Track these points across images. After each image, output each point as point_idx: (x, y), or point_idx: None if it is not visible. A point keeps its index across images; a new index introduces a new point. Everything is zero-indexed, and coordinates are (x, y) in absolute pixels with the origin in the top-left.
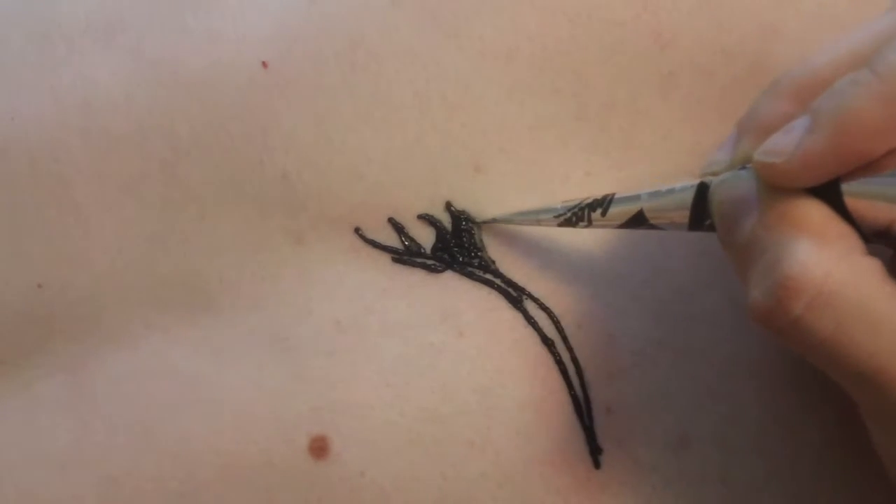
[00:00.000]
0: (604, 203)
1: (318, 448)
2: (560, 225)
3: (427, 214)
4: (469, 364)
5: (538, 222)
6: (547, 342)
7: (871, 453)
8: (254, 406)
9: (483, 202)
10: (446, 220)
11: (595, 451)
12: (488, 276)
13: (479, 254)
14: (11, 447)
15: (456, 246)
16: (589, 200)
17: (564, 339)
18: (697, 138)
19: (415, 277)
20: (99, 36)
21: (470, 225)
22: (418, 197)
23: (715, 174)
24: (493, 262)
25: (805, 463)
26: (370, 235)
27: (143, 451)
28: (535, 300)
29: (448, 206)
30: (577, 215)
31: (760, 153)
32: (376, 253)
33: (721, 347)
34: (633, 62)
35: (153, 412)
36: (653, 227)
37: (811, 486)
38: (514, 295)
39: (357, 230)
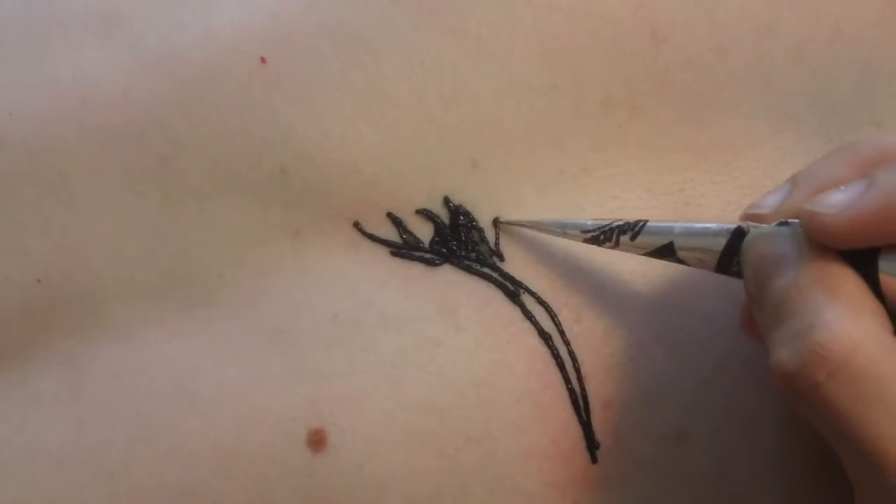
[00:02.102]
0: (635, 228)
1: (316, 441)
2: (585, 241)
3: (425, 209)
4: (467, 357)
5: (564, 234)
6: (544, 336)
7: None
8: (252, 399)
9: (480, 197)
10: (444, 216)
11: (592, 446)
12: (486, 270)
13: (477, 247)
14: (9, 442)
15: (454, 240)
16: (620, 223)
17: (562, 332)
18: (693, 135)
19: (413, 271)
20: (97, 31)
21: (469, 220)
22: (416, 192)
23: (757, 217)
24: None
25: (802, 458)
26: (368, 230)
27: (142, 445)
28: (533, 294)
29: (446, 200)
30: (606, 235)
31: (811, 203)
32: (375, 247)
33: (719, 342)
34: (630, 59)
35: (151, 406)
36: (679, 261)
37: (808, 481)
38: (512, 289)
39: (356, 224)
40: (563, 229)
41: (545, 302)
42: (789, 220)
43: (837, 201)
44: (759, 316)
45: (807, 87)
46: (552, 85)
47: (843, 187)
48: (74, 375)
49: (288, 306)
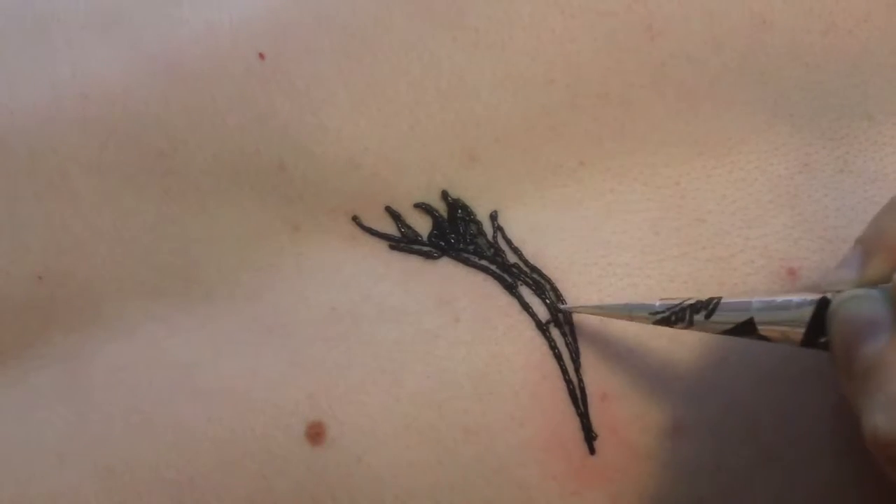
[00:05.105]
0: (708, 306)
1: (315, 434)
2: (656, 323)
3: (423, 203)
4: (464, 349)
5: (630, 318)
6: (542, 328)
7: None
8: (251, 393)
9: (478, 191)
10: (443, 209)
11: (590, 437)
12: (484, 263)
13: (475, 240)
14: (9, 438)
15: (452, 233)
16: (692, 301)
17: (559, 325)
18: (689, 128)
19: (411, 264)
20: (97, 28)
21: (466, 213)
22: (414, 186)
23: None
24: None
25: (799, 451)
26: (367, 224)
27: (141, 440)
28: (531, 287)
29: (444, 194)
30: (678, 315)
31: None
32: (373, 241)
33: (717, 336)
34: (626, 53)
35: (150, 401)
36: (760, 338)
37: (805, 473)
38: (510, 281)
39: (354, 218)
40: (629, 313)
41: (542, 295)
42: (878, 286)
43: None
44: (848, 383)
45: (801, 81)
46: (549, 79)
47: None
48: (74, 371)
49: (287, 300)
